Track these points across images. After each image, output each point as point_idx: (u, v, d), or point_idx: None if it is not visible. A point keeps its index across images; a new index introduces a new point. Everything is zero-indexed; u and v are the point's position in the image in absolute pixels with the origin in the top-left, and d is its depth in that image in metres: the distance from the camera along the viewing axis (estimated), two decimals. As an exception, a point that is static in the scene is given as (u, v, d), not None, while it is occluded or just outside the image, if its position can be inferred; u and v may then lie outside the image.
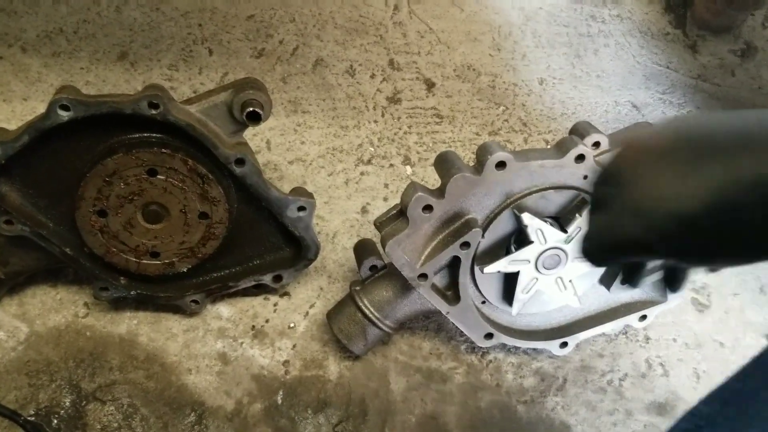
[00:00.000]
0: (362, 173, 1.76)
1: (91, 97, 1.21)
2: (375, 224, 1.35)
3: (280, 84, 1.86)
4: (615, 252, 0.74)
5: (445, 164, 1.30)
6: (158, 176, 1.28)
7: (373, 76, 1.92)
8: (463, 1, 2.11)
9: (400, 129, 1.85)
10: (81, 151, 1.29)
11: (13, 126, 1.54)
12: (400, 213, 1.32)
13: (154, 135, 1.28)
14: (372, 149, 1.80)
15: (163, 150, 1.26)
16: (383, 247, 1.30)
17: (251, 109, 1.26)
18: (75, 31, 1.87)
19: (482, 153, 1.25)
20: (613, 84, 2.03)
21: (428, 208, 1.26)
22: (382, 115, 1.86)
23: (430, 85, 1.94)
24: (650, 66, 2.09)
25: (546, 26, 2.12)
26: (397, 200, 1.31)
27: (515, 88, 1.98)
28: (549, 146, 1.85)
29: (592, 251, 0.76)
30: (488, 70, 2.00)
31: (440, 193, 1.27)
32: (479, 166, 1.25)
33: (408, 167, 1.79)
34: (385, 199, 1.72)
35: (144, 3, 1.93)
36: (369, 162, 1.78)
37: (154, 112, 1.21)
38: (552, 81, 2.01)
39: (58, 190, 1.32)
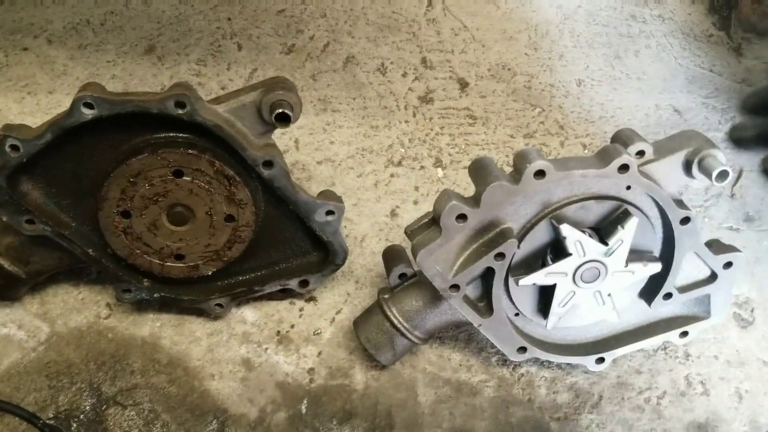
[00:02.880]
0: (392, 175, 1.71)
1: (115, 95, 1.17)
2: (406, 232, 1.30)
3: (310, 81, 1.81)
4: None
5: (480, 171, 1.24)
6: (184, 177, 1.24)
7: (404, 75, 1.87)
8: (499, -3, 2.05)
9: (431, 130, 1.79)
10: (105, 150, 1.25)
11: (37, 119, 1.52)
12: (433, 221, 1.27)
13: (181, 135, 1.24)
14: (402, 150, 1.75)
15: (190, 151, 1.22)
16: (414, 256, 1.25)
17: (281, 110, 1.21)
18: (102, 23, 1.83)
19: (520, 161, 1.19)
20: (654, 87, 1.96)
21: (462, 217, 1.21)
22: (414, 116, 1.81)
23: (463, 85, 1.88)
24: (693, 69, 2.01)
25: (585, 26, 2.05)
26: (428, 204, 1.26)
27: (552, 89, 1.91)
28: (587, 151, 1.80)
29: None
30: (524, 69, 1.94)
31: (475, 201, 1.21)
32: (517, 174, 1.19)
33: (439, 170, 1.73)
34: (416, 203, 1.67)
35: (173, -4, 1.90)
36: (399, 163, 1.73)
37: (180, 111, 1.17)
38: (590, 82, 1.94)
39: (81, 189, 1.29)
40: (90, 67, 1.76)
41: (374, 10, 1.96)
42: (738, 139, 1.14)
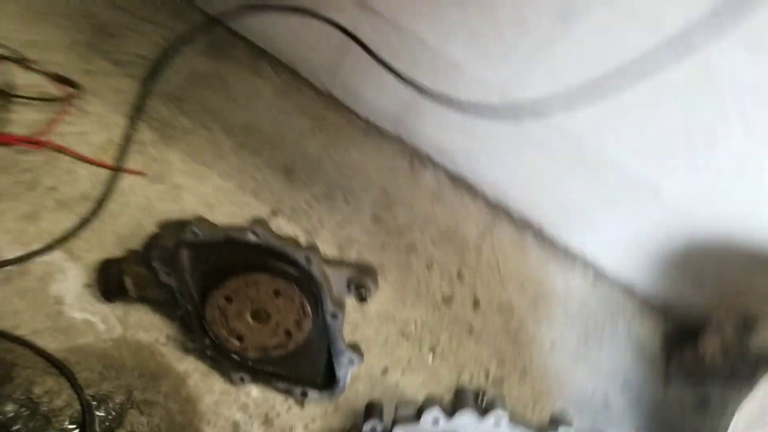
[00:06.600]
0: (398, 343, 2.22)
1: (275, 234, 1.69)
2: None
3: (378, 250, 2.35)
4: None
5: (457, 395, 1.76)
6: (280, 296, 1.75)
7: (441, 276, 2.41)
8: (524, 256, 2.64)
9: (439, 324, 2.32)
10: (241, 260, 1.75)
11: (189, 181, 2.01)
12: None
13: (293, 272, 1.75)
14: (413, 329, 2.27)
15: (295, 285, 1.73)
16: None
17: (362, 292, 1.74)
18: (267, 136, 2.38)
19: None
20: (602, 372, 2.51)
21: (437, 420, 1.72)
22: (433, 308, 2.34)
23: (476, 304, 2.43)
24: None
25: (578, 308, 2.62)
26: (411, 376, 1.74)
27: (533, 340, 2.46)
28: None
29: None
30: (522, 316, 2.49)
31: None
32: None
33: (431, 356, 2.25)
34: (403, 372, 2.17)
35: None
36: (408, 338, 2.24)
37: (306, 265, 1.69)
38: (559, 349, 2.50)
39: (209, 273, 1.77)
40: (240, 162, 2.29)
41: (443, 220, 2.53)
42: None
